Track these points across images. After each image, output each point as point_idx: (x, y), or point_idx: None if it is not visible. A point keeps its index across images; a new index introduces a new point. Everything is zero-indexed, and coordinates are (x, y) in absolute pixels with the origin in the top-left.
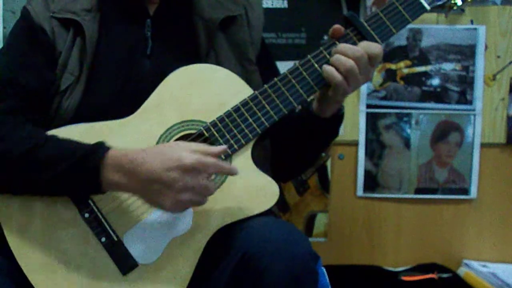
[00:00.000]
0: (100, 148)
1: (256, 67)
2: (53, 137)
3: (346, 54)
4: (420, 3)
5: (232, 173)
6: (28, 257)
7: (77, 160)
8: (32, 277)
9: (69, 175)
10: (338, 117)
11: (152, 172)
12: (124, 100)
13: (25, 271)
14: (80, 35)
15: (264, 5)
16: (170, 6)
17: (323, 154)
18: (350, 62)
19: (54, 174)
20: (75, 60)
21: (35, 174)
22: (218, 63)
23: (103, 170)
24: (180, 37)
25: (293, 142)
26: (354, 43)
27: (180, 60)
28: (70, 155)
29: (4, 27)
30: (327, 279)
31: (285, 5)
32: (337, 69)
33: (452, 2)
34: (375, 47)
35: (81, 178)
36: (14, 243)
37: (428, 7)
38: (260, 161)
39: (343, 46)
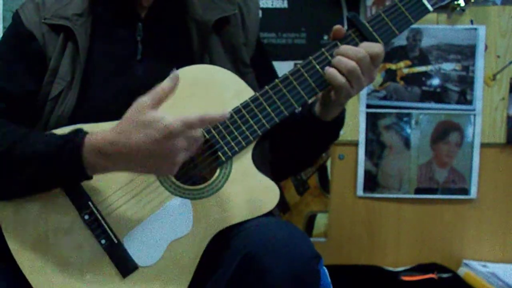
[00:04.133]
0: (77, 136)
1: (250, 69)
2: (31, 133)
3: (348, 55)
4: (423, 4)
5: (224, 117)
6: (28, 260)
7: (55, 151)
8: (32, 280)
9: (50, 166)
10: (339, 121)
11: (140, 150)
12: (119, 106)
13: (25, 273)
14: (71, 40)
15: (264, 5)
16: (162, 9)
17: (323, 155)
18: (352, 64)
19: (34, 169)
20: (67, 65)
21: (16, 173)
22: None
23: (84, 157)
24: (173, 40)
25: (292, 142)
26: (356, 45)
27: (172, 64)
28: (47, 148)
29: (4, 27)
30: (329, 279)
31: (285, 5)
32: (339, 71)
33: (456, 3)
34: (376, 47)
35: (63, 168)
36: (14, 246)
37: (431, 8)
38: (258, 162)
39: (344, 47)
